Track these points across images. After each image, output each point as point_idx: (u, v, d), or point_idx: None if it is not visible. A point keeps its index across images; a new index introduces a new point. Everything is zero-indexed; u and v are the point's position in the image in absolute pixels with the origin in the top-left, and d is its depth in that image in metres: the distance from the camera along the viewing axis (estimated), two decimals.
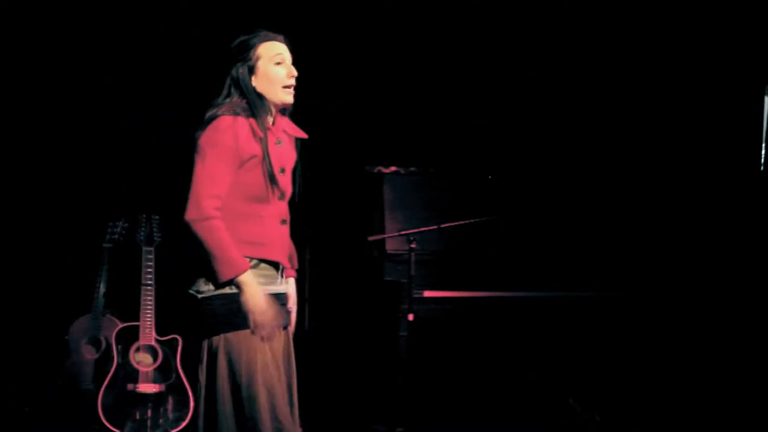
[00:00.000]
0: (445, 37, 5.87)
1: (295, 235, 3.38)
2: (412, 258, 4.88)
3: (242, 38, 3.23)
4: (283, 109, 3.28)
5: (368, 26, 5.80)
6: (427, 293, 4.99)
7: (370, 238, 5.10)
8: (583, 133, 5.82)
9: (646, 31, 5.73)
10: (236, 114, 3.13)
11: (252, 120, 3.15)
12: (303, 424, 4.99)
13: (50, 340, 5.28)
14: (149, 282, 5.08)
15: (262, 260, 3.17)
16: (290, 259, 3.32)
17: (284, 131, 3.27)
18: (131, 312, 5.13)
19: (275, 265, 3.22)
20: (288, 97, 3.22)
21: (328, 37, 5.68)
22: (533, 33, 5.87)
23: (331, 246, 5.60)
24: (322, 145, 5.79)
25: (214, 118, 3.11)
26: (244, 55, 3.20)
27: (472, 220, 5.04)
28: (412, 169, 5.32)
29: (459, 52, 5.89)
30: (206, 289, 3.11)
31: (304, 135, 3.33)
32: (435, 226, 4.99)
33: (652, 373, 5.37)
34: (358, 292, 5.50)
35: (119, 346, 5.06)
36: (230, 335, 3.08)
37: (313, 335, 5.36)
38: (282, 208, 3.23)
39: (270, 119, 3.23)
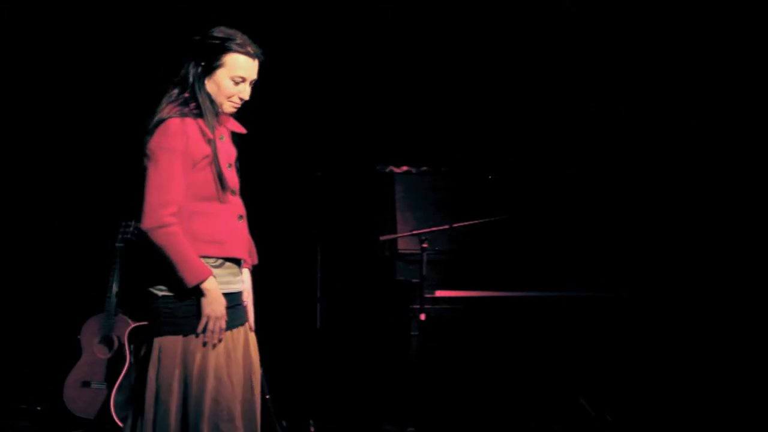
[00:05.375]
0: (457, 36, 5.86)
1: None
2: (424, 257, 4.86)
3: (213, 38, 3.16)
4: None
5: (379, 25, 5.79)
6: (438, 293, 4.98)
7: (382, 238, 5.09)
8: (596, 132, 5.80)
9: (647, 31, 5.71)
10: (183, 115, 3.08)
11: (200, 120, 3.10)
12: (314, 423, 5.02)
13: (63, 340, 5.29)
14: None
15: (226, 259, 3.14)
16: (250, 254, 3.28)
17: (224, 126, 3.22)
18: (143, 311, 5.13)
19: (236, 262, 3.19)
20: (230, 109, 3.19)
21: (338, 37, 5.69)
22: (537, 33, 5.86)
23: (342, 245, 5.60)
24: (334, 144, 5.84)
25: (161, 121, 3.06)
26: (208, 55, 3.15)
27: (484, 220, 5.03)
28: (424, 168, 5.31)
29: (471, 50, 5.89)
30: (165, 289, 3.09)
31: (243, 130, 3.28)
32: (447, 226, 4.97)
33: (664, 373, 5.36)
34: (370, 291, 5.50)
35: (131, 346, 5.07)
36: (189, 338, 3.06)
37: (325, 335, 5.36)
38: (237, 204, 3.19)
39: (216, 118, 3.18)
